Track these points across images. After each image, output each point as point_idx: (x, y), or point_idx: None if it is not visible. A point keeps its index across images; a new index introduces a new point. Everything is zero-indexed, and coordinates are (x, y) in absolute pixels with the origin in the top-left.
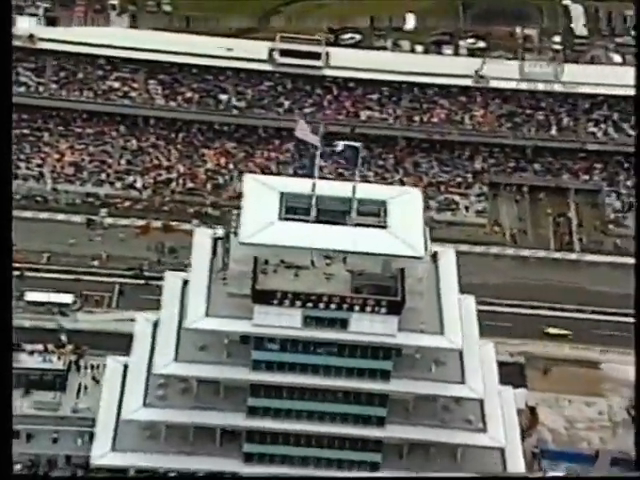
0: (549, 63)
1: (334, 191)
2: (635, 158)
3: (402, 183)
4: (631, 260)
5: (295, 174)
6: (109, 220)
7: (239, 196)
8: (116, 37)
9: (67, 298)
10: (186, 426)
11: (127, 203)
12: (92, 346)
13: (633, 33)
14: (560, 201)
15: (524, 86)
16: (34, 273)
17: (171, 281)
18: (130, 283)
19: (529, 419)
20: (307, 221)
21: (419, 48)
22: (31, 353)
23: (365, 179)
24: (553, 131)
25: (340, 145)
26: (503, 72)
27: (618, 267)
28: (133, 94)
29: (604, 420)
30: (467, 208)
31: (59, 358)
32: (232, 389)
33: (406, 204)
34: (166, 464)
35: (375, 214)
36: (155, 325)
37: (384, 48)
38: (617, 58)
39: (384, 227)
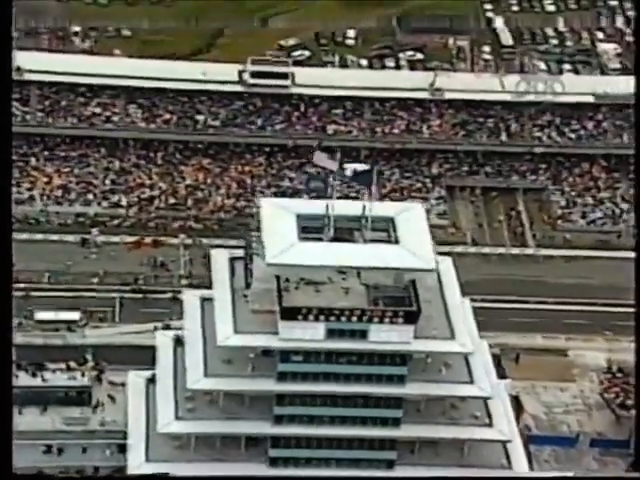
0: (497, 75)
1: (344, 210)
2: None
3: None
4: (583, 252)
5: (307, 195)
6: (101, 238)
7: (220, 209)
8: (96, 65)
9: (74, 315)
10: (214, 435)
11: (115, 221)
12: (104, 360)
13: (554, 42)
14: (510, 200)
15: (475, 97)
16: (38, 292)
17: (189, 299)
18: (129, 297)
19: (515, 408)
20: (323, 240)
21: (364, 62)
22: (54, 371)
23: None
24: (503, 137)
25: (351, 169)
26: (456, 84)
27: (571, 260)
28: (115, 118)
29: (579, 404)
30: (428, 211)
31: (83, 375)
32: (256, 399)
33: (412, 220)
34: (196, 472)
35: (384, 230)
36: (176, 340)
37: (332, 63)
38: (542, 65)
39: (396, 243)
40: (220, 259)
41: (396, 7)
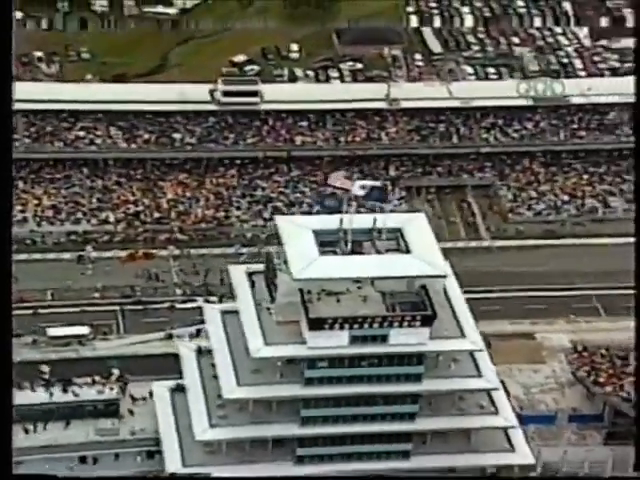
0: (443, 83)
1: (355, 223)
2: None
3: (334, 195)
4: (536, 242)
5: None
6: (95, 254)
7: (201, 220)
8: (76, 92)
9: (84, 330)
10: (243, 439)
11: (106, 237)
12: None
13: (476, 48)
14: (462, 197)
15: (427, 104)
16: (45, 310)
17: (211, 313)
18: (130, 309)
19: None
20: (338, 253)
21: (310, 73)
22: (80, 386)
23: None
24: (454, 139)
25: (364, 187)
26: (407, 94)
27: (523, 249)
28: (98, 141)
29: (552, 383)
30: (392, 211)
31: (112, 388)
32: (283, 403)
33: (418, 229)
34: (228, 474)
35: (394, 240)
36: (198, 351)
37: (281, 76)
38: (469, 69)
39: (408, 252)
40: (238, 274)
41: (332, 21)
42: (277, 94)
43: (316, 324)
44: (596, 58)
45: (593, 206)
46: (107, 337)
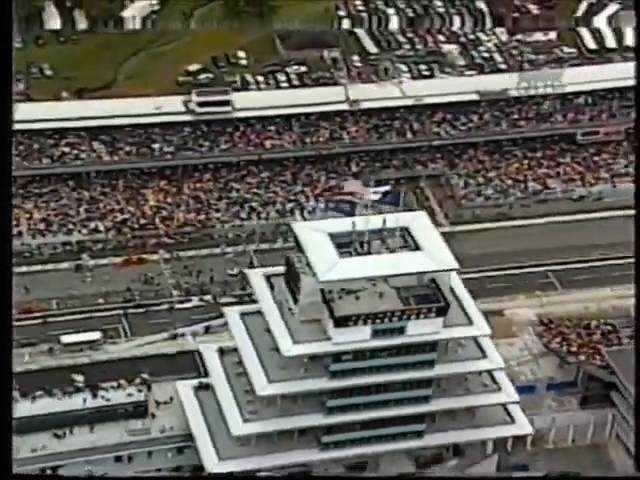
0: (394, 83)
1: (365, 224)
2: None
3: (303, 192)
4: (489, 225)
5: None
6: (92, 262)
7: (185, 224)
8: (57, 110)
9: (95, 335)
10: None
11: (99, 245)
12: (134, 370)
13: (406, 47)
14: (418, 187)
15: (383, 104)
16: (53, 318)
17: (232, 316)
18: (133, 313)
19: None
20: (352, 254)
21: (260, 78)
22: (107, 390)
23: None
24: (409, 135)
25: (379, 191)
26: (366, 95)
27: (480, 232)
28: (83, 155)
29: (526, 355)
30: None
31: (140, 390)
32: (308, 395)
33: (423, 227)
34: (260, 465)
35: (402, 238)
36: (220, 351)
37: (234, 82)
38: (403, 67)
39: (418, 249)
40: (256, 278)
41: (270, 27)
42: (246, 102)
43: (342, 321)
44: (514, 52)
45: (536, 188)
46: (116, 341)
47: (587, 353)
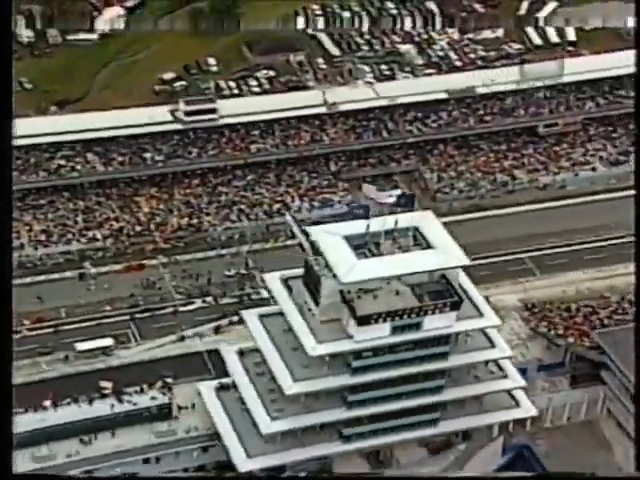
0: (370, 85)
1: (379, 226)
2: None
3: (288, 193)
4: (466, 216)
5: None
6: (94, 270)
7: (179, 228)
8: (51, 125)
9: (108, 341)
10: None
11: (99, 253)
12: (146, 374)
13: (365, 48)
14: (393, 183)
15: (359, 105)
16: (63, 327)
17: (251, 318)
18: (140, 317)
19: None
20: (367, 255)
21: (232, 84)
22: (130, 394)
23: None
24: (384, 134)
25: (394, 195)
26: (342, 97)
27: (456, 223)
28: (78, 167)
29: (515, 339)
30: (339, 202)
31: (164, 394)
32: (330, 391)
33: (432, 225)
34: (285, 460)
35: (414, 237)
36: (240, 353)
37: (208, 89)
38: (366, 68)
39: (430, 247)
40: (273, 282)
41: (237, 34)
42: (230, 109)
43: (364, 320)
44: (466, 49)
45: (504, 180)
46: (127, 345)
47: (574, 335)
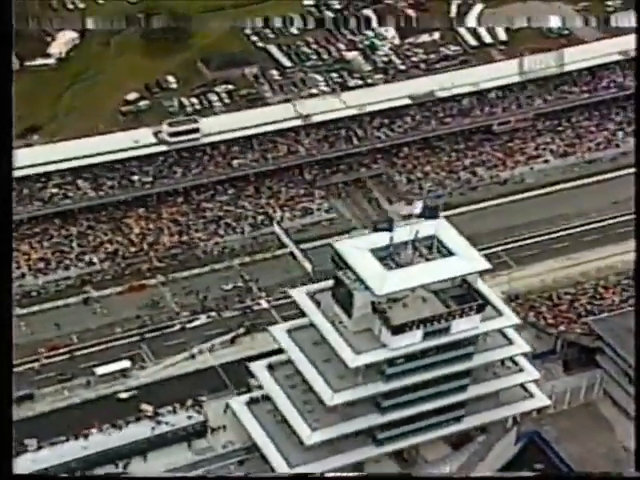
0: (337, 96)
1: (404, 237)
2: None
3: (269, 204)
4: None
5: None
6: (97, 294)
7: (171, 247)
8: (39, 155)
9: (126, 364)
10: None
11: (98, 277)
12: (165, 393)
13: (314, 57)
14: (365, 187)
15: (330, 116)
16: (77, 352)
17: (279, 334)
18: (150, 337)
19: None
20: (393, 266)
21: (194, 100)
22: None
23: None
24: (355, 141)
25: (419, 206)
26: (313, 109)
27: None
28: (70, 194)
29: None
30: (318, 210)
31: (198, 412)
32: (364, 399)
33: (448, 232)
34: (322, 468)
35: (435, 246)
36: (269, 367)
37: (172, 106)
38: (318, 77)
39: (451, 254)
40: (301, 297)
41: (190, 51)
42: (210, 127)
43: (399, 329)
44: (408, 53)
45: (466, 177)
46: (143, 365)
47: (564, 323)
